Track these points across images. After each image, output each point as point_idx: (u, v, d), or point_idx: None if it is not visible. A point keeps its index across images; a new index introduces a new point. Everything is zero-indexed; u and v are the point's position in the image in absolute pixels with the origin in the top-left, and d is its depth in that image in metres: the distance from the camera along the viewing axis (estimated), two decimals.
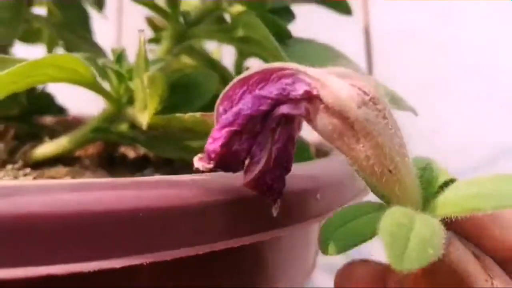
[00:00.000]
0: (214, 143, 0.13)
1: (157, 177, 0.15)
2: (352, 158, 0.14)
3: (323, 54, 0.26)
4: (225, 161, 0.13)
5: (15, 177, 0.21)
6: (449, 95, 0.52)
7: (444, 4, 0.56)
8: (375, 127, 0.13)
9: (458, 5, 0.56)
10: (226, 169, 0.14)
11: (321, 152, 0.30)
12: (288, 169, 0.14)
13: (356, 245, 0.13)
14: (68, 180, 0.19)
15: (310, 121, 0.14)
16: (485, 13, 0.55)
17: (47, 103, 0.29)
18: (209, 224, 0.14)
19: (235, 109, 0.13)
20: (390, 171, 0.14)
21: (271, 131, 0.14)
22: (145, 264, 0.12)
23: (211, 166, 0.13)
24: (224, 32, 0.23)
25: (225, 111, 0.14)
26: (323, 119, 0.13)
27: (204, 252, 0.13)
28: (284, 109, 0.13)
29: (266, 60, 0.25)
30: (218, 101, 0.14)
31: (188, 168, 0.24)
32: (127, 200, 0.12)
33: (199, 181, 0.14)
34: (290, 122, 0.14)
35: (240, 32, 0.21)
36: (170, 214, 0.13)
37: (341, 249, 0.13)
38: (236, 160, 0.14)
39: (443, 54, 0.56)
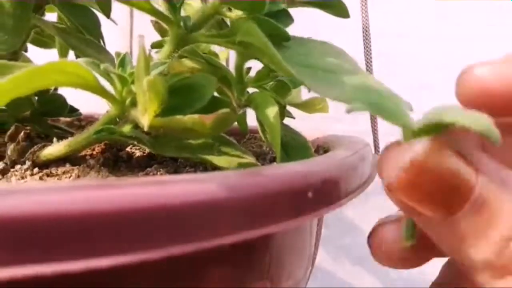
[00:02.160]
0: None
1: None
2: None
3: (323, 53, 0.26)
4: None
5: (22, 177, 0.22)
6: (447, 93, 0.52)
7: (441, 4, 0.56)
8: None
9: (455, 4, 0.55)
10: None
11: (321, 149, 0.31)
12: None
13: None
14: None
15: None
16: (483, 11, 0.54)
17: (59, 104, 0.30)
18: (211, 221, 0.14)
19: None
20: None
21: None
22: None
23: None
24: (224, 37, 0.23)
25: None
26: None
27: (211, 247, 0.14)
28: None
29: (264, 62, 0.25)
30: None
31: (189, 165, 0.25)
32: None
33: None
34: None
35: (239, 37, 0.22)
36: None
37: None
38: None
39: (441, 53, 0.56)
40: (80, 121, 0.41)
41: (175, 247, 0.13)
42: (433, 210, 0.16)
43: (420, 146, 0.15)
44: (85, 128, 0.39)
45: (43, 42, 0.36)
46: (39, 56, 0.36)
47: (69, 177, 0.22)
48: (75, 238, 0.12)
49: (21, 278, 0.11)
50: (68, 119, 0.38)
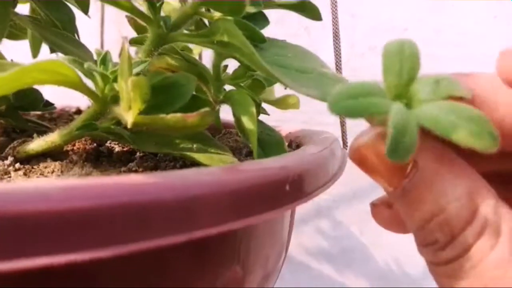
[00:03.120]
0: None
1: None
2: None
3: (295, 54, 0.28)
4: None
5: (6, 173, 0.22)
6: None
7: None
8: None
9: None
10: None
11: (293, 144, 0.32)
12: None
13: (360, 115, 0.16)
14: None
15: None
16: (478, 4, 0.57)
17: (34, 99, 0.30)
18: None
19: None
20: None
21: None
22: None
23: None
24: (203, 37, 0.24)
25: None
26: None
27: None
28: None
29: (241, 61, 0.27)
30: None
31: (168, 160, 0.26)
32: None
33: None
34: None
35: (218, 37, 0.23)
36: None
37: (348, 115, 0.16)
38: None
39: (435, 47, 0.58)
40: (50, 114, 0.41)
41: (166, 238, 0.14)
42: (380, 182, 0.18)
43: (366, 136, 0.18)
44: (56, 121, 0.39)
45: (15, 35, 0.36)
46: (6, 47, 0.36)
47: (52, 172, 0.23)
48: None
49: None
50: (39, 112, 0.38)
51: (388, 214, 0.22)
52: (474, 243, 0.16)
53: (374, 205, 0.23)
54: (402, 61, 0.16)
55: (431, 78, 0.17)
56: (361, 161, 0.18)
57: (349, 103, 0.16)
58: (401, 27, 0.61)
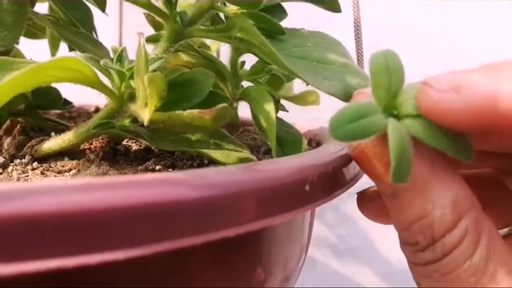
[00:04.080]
0: None
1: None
2: None
3: (316, 44, 0.27)
4: None
5: (23, 172, 0.22)
6: None
7: None
8: None
9: None
10: None
11: (313, 142, 0.32)
12: None
13: (362, 138, 0.17)
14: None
15: None
16: (478, 3, 0.56)
17: (53, 97, 0.31)
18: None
19: None
20: None
21: None
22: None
23: None
24: (220, 32, 0.24)
25: None
26: None
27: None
28: None
29: (260, 56, 0.26)
30: None
31: (186, 158, 0.26)
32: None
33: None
34: None
35: (235, 33, 0.23)
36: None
37: (351, 139, 0.17)
38: None
39: (439, 45, 0.57)
40: (70, 113, 0.41)
41: (187, 239, 0.14)
42: (375, 179, 0.20)
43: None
44: (76, 119, 0.39)
45: (33, 34, 0.36)
46: (26, 46, 0.36)
47: (69, 171, 0.23)
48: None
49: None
50: (58, 111, 0.38)
51: (371, 205, 0.24)
52: (452, 250, 0.17)
53: (359, 196, 0.24)
54: (389, 74, 0.18)
55: (414, 91, 0.18)
56: (360, 159, 0.20)
57: (351, 127, 0.17)
58: (405, 25, 0.59)
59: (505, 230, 0.23)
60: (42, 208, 0.12)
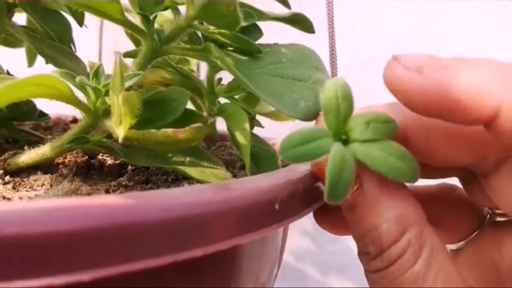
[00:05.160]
0: None
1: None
2: None
3: (291, 59, 0.27)
4: None
5: None
6: None
7: (435, 7, 0.58)
8: None
9: (448, 7, 0.57)
10: None
11: None
12: None
13: (308, 160, 0.19)
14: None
15: None
16: (476, 13, 0.57)
17: (28, 109, 0.30)
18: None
19: None
20: None
21: None
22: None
23: None
24: (196, 51, 0.24)
25: None
26: None
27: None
28: None
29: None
30: None
31: (160, 173, 0.26)
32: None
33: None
34: None
35: (210, 57, 0.23)
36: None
37: (297, 161, 0.19)
38: None
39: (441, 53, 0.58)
40: (46, 123, 0.41)
41: (153, 259, 0.14)
42: None
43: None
44: (52, 130, 0.39)
45: (11, 42, 0.36)
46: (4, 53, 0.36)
47: (41, 186, 0.23)
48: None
49: None
50: (34, 123, 0.38)
51: (327, 218, 0.25)
52: (397, 259, 0.19)
53: (315, 210, 0.25)
54: (338, 102, 0.19)
55: (363, 118, 0.19)
56: (319, 175, 0.21)
57: (297, 151, 0.19)
58: (400, 39, 0.61)
59: (453, 246, 0.24)
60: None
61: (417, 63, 0.18)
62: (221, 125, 0.33)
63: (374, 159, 0.19)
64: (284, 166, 0.27)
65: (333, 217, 0.24)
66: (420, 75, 0.17)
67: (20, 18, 0.33)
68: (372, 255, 0.20)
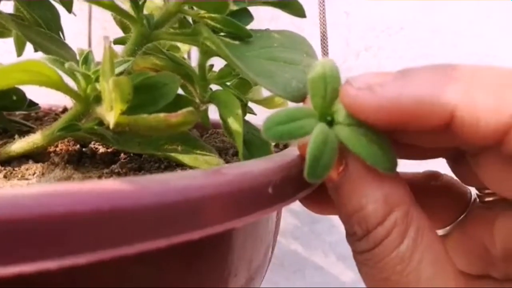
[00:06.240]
0: None
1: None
2: None
3: (283, 43, 0.27)
4: None
5: None
6: None
7: None
8: None
9: None
10: None
11: (281, 144, 0.32)
12: None
13: (290, 139, 0.19)
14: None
15: None
16: (471, 5, 0.57)
17: (18, 99, 0.30)
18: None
19: None
20: None
21: None
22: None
23: None
24: (187, 35, 0.24)
25: None
26: None
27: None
28: None
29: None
30: None
31: (153, 161, 0.26)
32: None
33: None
34: None
35: (201, 38, 0.23)
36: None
37: (279, 140, 0.20)
38: None
39: (431, 47, 0.58)
40: (36, 113, 0.40)
41: (147, 243, 0.14)
42: None
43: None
44: (42, 120, 0.39)
45: (0, 32, 0.35)
46: None
47: (33, 174, 0.22)
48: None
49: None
50: (24, 113, 0.37)
51: (314, 199, 0.25)
52: (382, 240, 0.19)
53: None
54: (326, 83, 0.19)
55: None
56: (303, 153, 0.21)
57: (279, 129, 0.18)
58: (397, 27, 0.61)
59: (440, 231, 0.24)
60: None
61: (367, 83, 0.18)
62: (213, 114, 0.33)
63: (355, 142, 0.19)
64: (277, 152, 0.27)
65: (318, 197, 0.24)
66: (372, 93, 0.18)
67: (7, 7, 0.33)
68: (358, 236, 0.20)
